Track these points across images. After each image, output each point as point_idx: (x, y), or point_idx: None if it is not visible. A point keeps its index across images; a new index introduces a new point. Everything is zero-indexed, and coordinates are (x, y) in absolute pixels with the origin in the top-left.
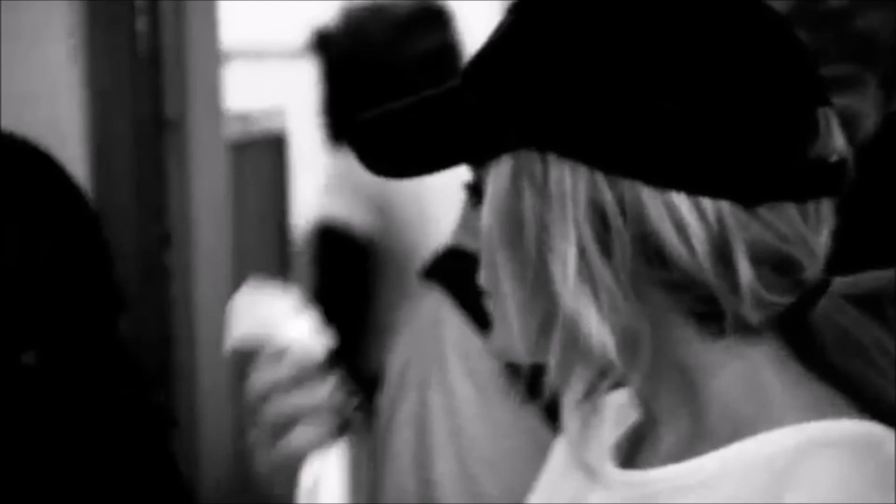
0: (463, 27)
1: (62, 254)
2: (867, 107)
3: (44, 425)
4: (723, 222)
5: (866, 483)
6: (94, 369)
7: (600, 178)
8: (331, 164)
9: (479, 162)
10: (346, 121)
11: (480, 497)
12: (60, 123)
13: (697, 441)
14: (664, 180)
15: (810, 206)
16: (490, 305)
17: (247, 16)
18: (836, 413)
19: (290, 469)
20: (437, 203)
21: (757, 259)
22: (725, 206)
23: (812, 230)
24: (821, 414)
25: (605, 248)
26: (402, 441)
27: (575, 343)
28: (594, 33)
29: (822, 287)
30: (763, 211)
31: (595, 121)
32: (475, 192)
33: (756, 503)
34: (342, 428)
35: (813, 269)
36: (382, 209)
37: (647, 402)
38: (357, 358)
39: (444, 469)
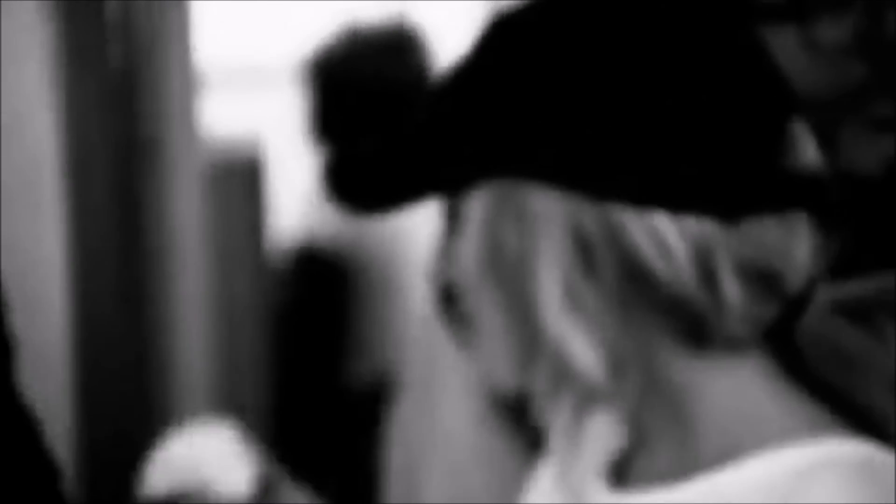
0: (439, 50)
1: None
2: None
3: None
4: (705, 239)
5: (866, 501)
6: None
7: (580, 203)
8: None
9: (456, 192)
10: (328, 146)
11: None
12: (36, 147)
13: (688, 462)
14: (644, 201)
15: (790, 218)
16: (472, 333)
17: (223, 40)
18: (831, 433)
19: None
20: (408, 219)
21: (740, 273)
22: (706, 222)
23: (794, 242)
24: (814, 433)
25: (589, 272)
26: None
27: (561, 368)
28: (568, 60)
29: (806, 298)
30: (743, 225)
31: (571, 146)
32: (452, 219)
33: None
34: None
35: (795, 281)
36: (353, 231)
37: (636, 422)
38: (332, 376)
39: (433, 485)
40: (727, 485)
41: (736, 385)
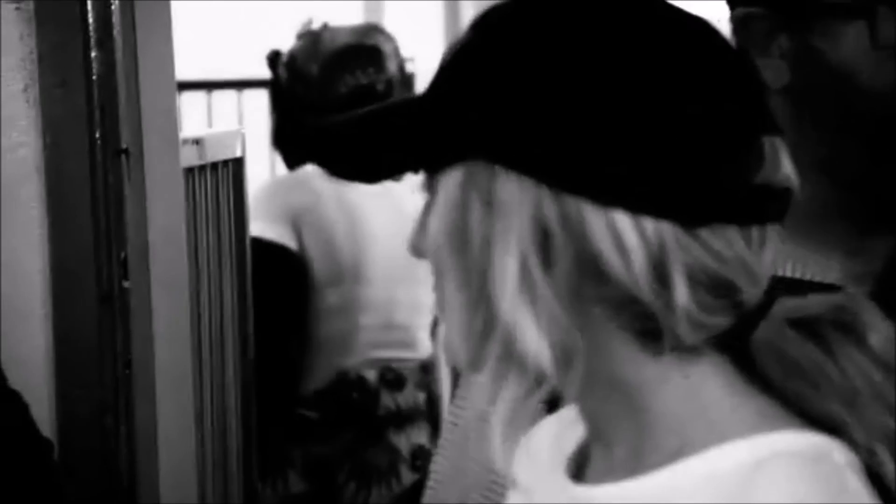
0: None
1: None
2: None
3: None
4: (662, 242)
5: (817, 493)
6: None
7: (545, 193)
8: (257, 188)
9: (432, 169)
10: (287, 147)
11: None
12: (16, 156)
13: (645, 456)
14: (606, 198)
15: (754, 230)
16: (440, 312)
17: (199, 46)
18: (780, 425)
19: None
20: (368, 219)
21: (694, 280)
22: (666, 226)
23: (754, 254)
24: (766, 427)
25: (546, 262)
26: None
27: (510, 352)
28: (547, 53)
29: (762, 309)
30: (704, 233)
31: (541, 136)
32: (430, 194)
33: None
34: None
35: (752, 293)
36: (308, 228)
37: (592, 417)
38: (295, 374)
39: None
40: (678, 479)
41: (690, 384)
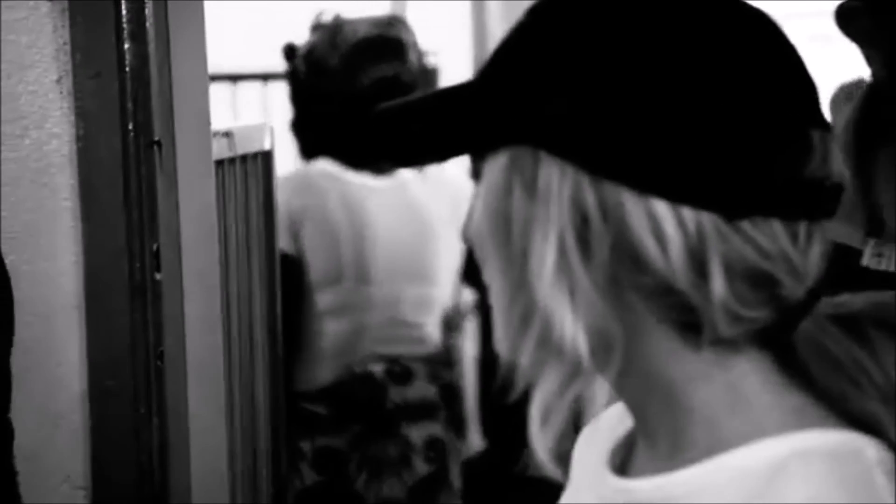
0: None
1: None
2: None
3: None
4: (702, 232)
5: (840, 491)
6: None
7: (585, 180)
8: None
9: (479, 154)
10: (308, 140)
11: None
12: (49, 147)
13: (682, 451)
14: (646, 186)
15: (801, 225)
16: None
17: (227, 39)
18: (815, 423)
19: None
20: (372, 218)
21: (733, 272)
22: (707, 216)
23: (800, 250)
24: (801, 425)
25: (585, 249)
26: None
27: (548, 339)
28: (594, 40)
29: (807, 306)
30: (746, 225)
31: (584, 121)
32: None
33: None
34: None
35: (795, 288)
36: (310, 227)
37: (634, 410)
38: (288, 372)
39: None
40: (708, 476)
41: (729, 380)
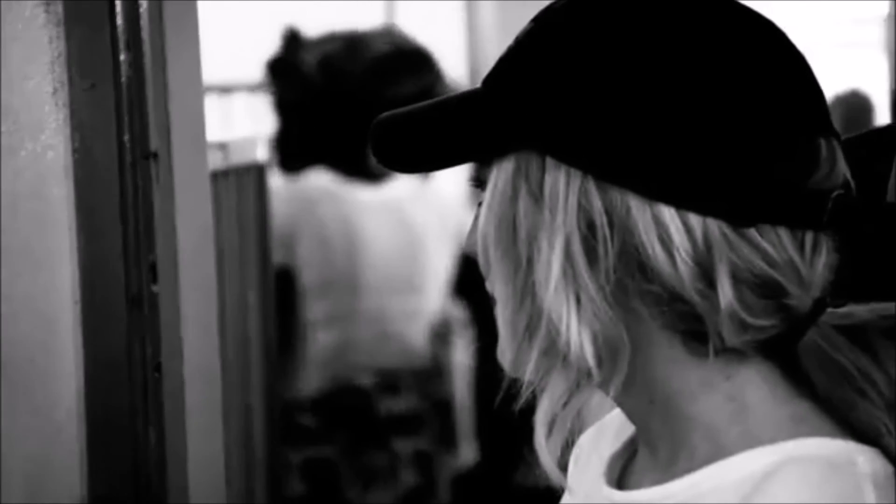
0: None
1: None
2: None
3: None
4: (709, 239)
5: (830, 499)
6: None
7: (591, 186)
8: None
9: (485, 160)
10: (308, 151)
11: None
12: (45, 159)
13: (680, 461)
14: (653, 192)
15: (807, 235)
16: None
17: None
18: (814, 431)
19: None
20: (364, 230)
21: (740, 279)
22: (714, 223)
23: (805, 259)
24: (798, 432)
25: (591, 256)
26: None
27: (553, 347)
28: (601, 47)
29: (812, 316)
30: (753, 233)
31: (591, 127)
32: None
33: None
34: None
35: (801, 298)
36: (304, 239)
37: (634, 419)
38: (280, 381)
39: None
40: (702, 484)
41: (732, 389)
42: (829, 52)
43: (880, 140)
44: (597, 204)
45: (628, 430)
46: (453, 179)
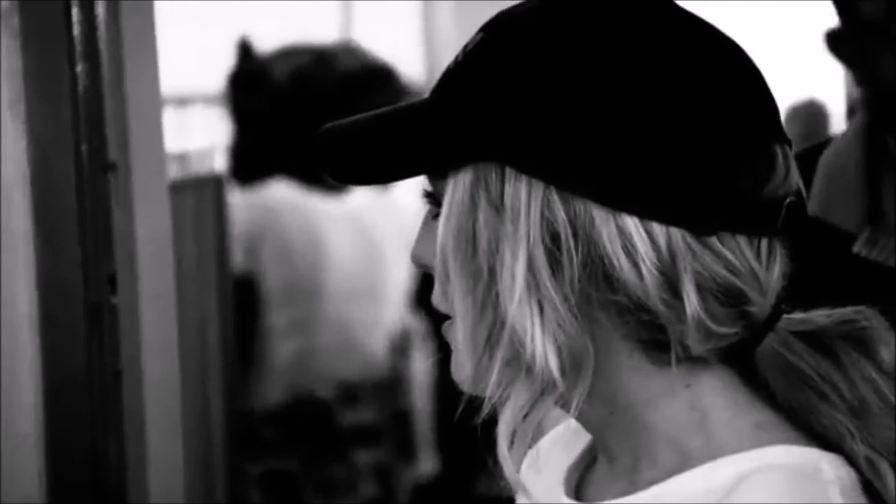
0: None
1: None
2: None
3: None
4: (673, 248)
5: None
6: None
7: (554, 196)
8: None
9: (441, 172)
10: (268, 162)
11: None
12: (3, 170)
13: (642, 472)
14: (616, 202)
15: (763, 242)
16: (448, 330)
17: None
18: (776, 439)
19: None
20: (327, 238)
21: (705, 289)
22: (677, 232)
23: (763, 266)
24: (762, 441)
25: (555, 266)
26: None
27: (517, 359)
28: (558, 56)
29: (770, 322)
30: (714, 242)
31: (551, 137)
32: (435, 203)
33: None
34: None
35: (762, 305)
36: (267, 247)
37: (596, 430)
38: (240, 391)
39: None
40: (666, 496)
41: (692, 398)
42: (785, 62)
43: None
44: (560, 215)
45: (583, 439)
46: (414, 190)
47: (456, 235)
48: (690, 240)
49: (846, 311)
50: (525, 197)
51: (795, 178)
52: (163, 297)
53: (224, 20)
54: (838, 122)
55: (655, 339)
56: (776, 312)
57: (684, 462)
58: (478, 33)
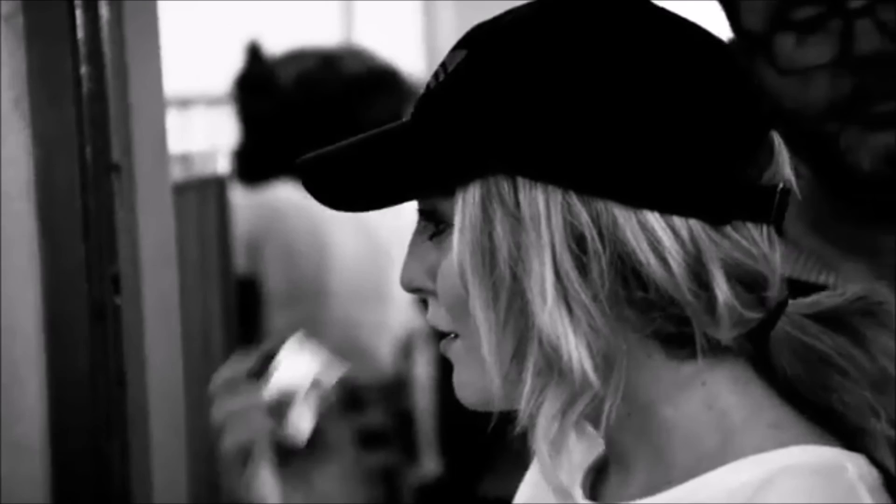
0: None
1: None
2: None
3: None
4: (696, 240)
5: None
6: None
7: (574, 200)
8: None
9: (445, 191)
10: (273, 164)
11: None
12: (7, 172)
13: (660, 474)
14: (636, 199)
15: (765, 228)
16: (449, 347)
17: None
18: (795, 438)
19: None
20: (333, 239)
21: (732, 276)
22: (696, 224)
23: (771, 249)
24: (780, 441)
25: (582, 269)
26: None
27: (550, 366)
28: (563, 59)
29: (782, 305)
30: (730, 230)
31: (564, 144)
32: (433, 221)
33: None
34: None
35: (778, 287)
36: (271, 248)
37: (611, 433)
38: None
39: None
40: (690, 497)
41: (708, 396)
42: None
43: None
44: (583, 217)
45: (600, 444)
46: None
47: (472, 250)
48: (709, 230)
49: (858, 290)
50: (543, 204)
51: (788, 164)
52: (166, 298)
53: (226, 22)
54: None
55: (680, 332)
56: (784, 297)
57: (701, 463)
58: (457, 50)
